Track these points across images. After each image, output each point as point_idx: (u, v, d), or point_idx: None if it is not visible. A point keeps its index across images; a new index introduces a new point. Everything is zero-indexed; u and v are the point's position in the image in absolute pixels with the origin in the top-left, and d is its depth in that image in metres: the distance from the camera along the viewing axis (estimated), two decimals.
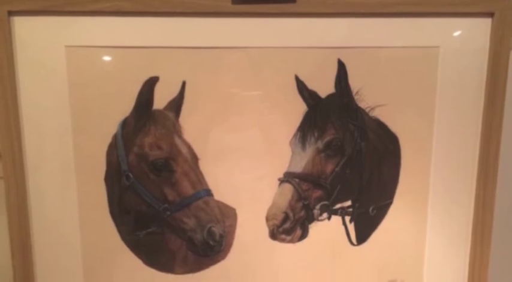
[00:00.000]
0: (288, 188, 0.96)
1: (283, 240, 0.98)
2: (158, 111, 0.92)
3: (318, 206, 0.97)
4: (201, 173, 0.95)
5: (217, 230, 0.96)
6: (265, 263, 1.00)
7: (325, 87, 0.93)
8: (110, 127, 0.92)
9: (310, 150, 0.95)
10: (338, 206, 0.99)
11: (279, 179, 0.96)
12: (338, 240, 1.00)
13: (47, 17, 0.88)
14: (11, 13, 0.87)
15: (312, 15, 0.90)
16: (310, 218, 0.98)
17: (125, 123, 0.92)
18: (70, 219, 0.95)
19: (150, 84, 0.91)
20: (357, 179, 0.98)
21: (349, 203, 0.99)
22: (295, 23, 0.90)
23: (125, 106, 0.92)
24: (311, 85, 0.93)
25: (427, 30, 0.93)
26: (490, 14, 0.92)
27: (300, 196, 0.96)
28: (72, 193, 0.94)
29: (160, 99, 0.92)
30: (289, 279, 1.01)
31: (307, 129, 0.95)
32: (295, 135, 0.95)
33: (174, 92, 0.91)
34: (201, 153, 0.94)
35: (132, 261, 0.97)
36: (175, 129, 0.93)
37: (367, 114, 0.95)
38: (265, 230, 0.98)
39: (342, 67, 0.93)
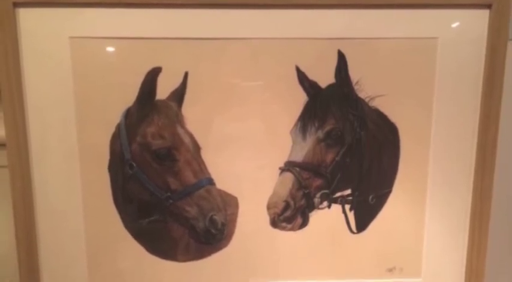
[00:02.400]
0: (289, 177, 1.00)
1: (284, 228, 1.02)
2: (161, 101, 0.96)
3: (318, 195, 1.01)
4: (203, 162, 0.99)
5: (219, 218, 1.00)
6: (267, 250, 1.04)
7: (325, 77, 0.97)
8: (114, 117, 0.97)
9: (310, 140, 0.99)
10: (338, 194, 1.03)
11: (280, 168, 1.00)
12: (338, 228, 1.04)
13: (51, 9, 0.92)
14: (16, 5, 0.91)
15: (313, 7, 0.94)
16: (311, 207, 1.02)
17: (128, 113, 0.97)
18: (74, 208, 0.99)
19: (153, 74, 0.95)
20: (357, 168, 1.01)
21: (349, 191, 1.03)
22: (296, 14, 0.94)
23: (128, 96, 0.96)
24: (311, 75, 0.97)
25: (426, 21, 0.96)
26: (488, 6, 0.95)
27: (300, 185, 1.00)
28: (76, 182, 0.98)
29: (163, 90, 0.96)
30: (290, 267, 1.05)
31: (307, 119, 0.99)
32: (295, 125, 0.99)
33: (176, 83, 0.96)
34: (203, 142, 0.98)
35: (135, 249, 1.02)
36: (177, 119, 0.97)
37: (366, 104, 0.99)
38: (266, 218, 1.02)
39: (342, 58, 0.96)
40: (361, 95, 0.98)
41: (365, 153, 1.01)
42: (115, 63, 0.95)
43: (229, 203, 1.01)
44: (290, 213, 1.01)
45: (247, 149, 1.00)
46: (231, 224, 1.02)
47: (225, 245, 1.03)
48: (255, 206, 1.01)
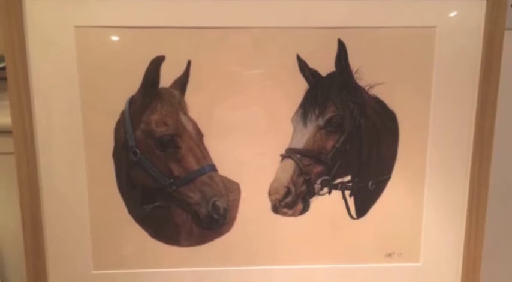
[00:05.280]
0: (290, 163, 1.05)
1: (285, 214, 1.08)
2: (164, 89, 1.02)
3: (318, 181, 1.07)
4: (205, 149, 1.04)
5: (221, 204, 1.06)
6: (268, 236, 1.09)
7: (325, 66, 1.02)
8: (118, 104, 1.02)
9: (311, 127, 1.04)
10: (338, 180, 1.08)
11: (281, 155, 1.05)
12: (338, 214, 1.09)
13: None
14: None
15: None
16: (311, 193, 1.07)
17: (132, 101, 1.02)
18: (79, 194, 1.05)
19: (157, 63, 1.00)
20: (357, 155, 1.06)
21: (348, 177, 1.08)
22: (297, 3, 0.99)
23: (132, 84, 1.01)
24: (312, 64, 1.02)
25: (424, 10, 1.01)
26: None
27: (301, 171, 1.05)
28: (81, 168, 1.04)
29: (167, 78, 1.01)
30: (291, 252, 1.10)
31: (308, 106, 1.04)
32: (296, 112, 1.04)
33: (179, 71, 1.01)
34: (206, 129, 1.04)
35: (139, 234, 1.07)
36: (180, 107, 1.03)
37: (366, 92, 1.04)
38: (267, 204, 1.07)
39: (342, 46, 1.01)
40: (361, 83, 1.03)
41: (364, 140, 1.06)
42: (119, 52, 1.00)
43: (231, 189, 1.06)
44: (291, 199, 1.06)
45: (249, 136, 1.05)
46: (233, 210, 1.07)
47: (227, 230, 1.08)
48: (256, 192, 1.06)
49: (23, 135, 1.01)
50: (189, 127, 1.04)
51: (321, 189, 1.08)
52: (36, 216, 1.04)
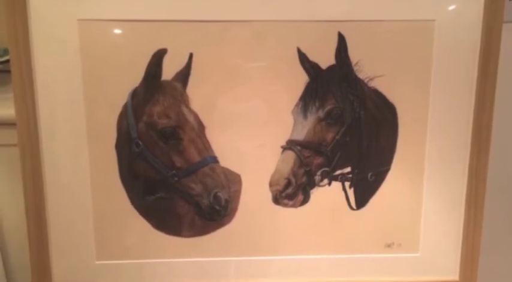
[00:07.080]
0: (291, 155, 1.08)
1: (285, 205, 1.11)
2: (166, 81, 1.04)
3: (319, 172, 1.09)
4: (207, 141, 1.07)
5: (222, 195, 1.09)
6: (269, 226, 1.12)
7: (326, 59, 1.05)
8: (121, 97, 1.05)
9: (311, 119, 1.07)
10: (338, 172, 1.10)
11: (282, 147, 1.08)
12: (338, 205, 1.12)
13: None
14: None
15: None
16: (312, 184, 1.10)
17: (134, 93, 1.05)
18: (82, 185, 1.07)
19: (159, 56, 1.03)
20: (356, 147, 1.09)
21: (348, 169, 1.11)
22: None
23: (135, 77, 1.04)
24: (312, 57, 1.04)
25: (423, 4, 1.03)
26: None
27: (301, 163, 1.08)
28: (84, 160, 1.06)
29: (169, 71, 1.04)
30: (291, 242, 1.13)
31: (308, 99, 1.06)
32: (297, 104, 1.06)
33: (181, 64, 1.04)
34: (208, 121, 1.06)
35: (141, 225, 1.10)
36: (182, 99, 1.05)
37: (365, 84, 1.06)
38: (268, 195, 1.10)
39: (342, 40, 1.04)
40: (361, 75, 1.05)
41: (364, 132, 1.08)
42: (122, 45, 1.03)
43: (232, 181, 1.09)
44: (292, 191, 1.09)
45: (250, 128, 1.07)
46: (235, 201, 1.10)
47: (228, 221, 1.11)
48: (257, 183, 1.09)
49: (26, 127, 1.03)
50: (191, 119, 1.06)
51: (321, 180, 1.10)
52: (40, 207, 1.07)
